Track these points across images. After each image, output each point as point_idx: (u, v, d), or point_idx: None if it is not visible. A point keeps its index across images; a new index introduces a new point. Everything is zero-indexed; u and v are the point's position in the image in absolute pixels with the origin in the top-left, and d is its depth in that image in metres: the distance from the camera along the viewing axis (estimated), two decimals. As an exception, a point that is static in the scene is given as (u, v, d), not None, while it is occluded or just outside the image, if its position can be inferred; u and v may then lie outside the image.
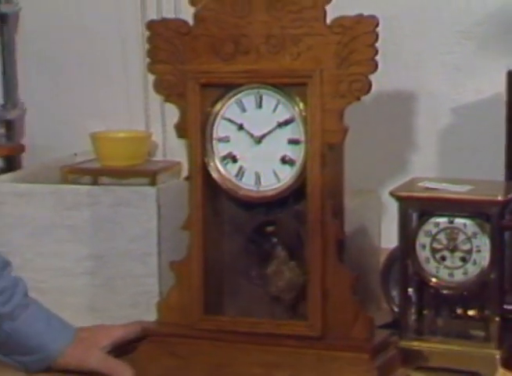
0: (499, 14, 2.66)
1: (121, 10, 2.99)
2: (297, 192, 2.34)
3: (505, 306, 2.21)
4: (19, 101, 3.13)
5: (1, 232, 2.48)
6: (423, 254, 2.32)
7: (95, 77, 3.04)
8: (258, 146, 2.36)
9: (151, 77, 2.45)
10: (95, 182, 2.72)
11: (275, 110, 2.35)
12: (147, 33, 2.44)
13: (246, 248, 2.41)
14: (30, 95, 3.15)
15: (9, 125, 3.15)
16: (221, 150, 2.39)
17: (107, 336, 2.47)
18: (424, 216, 2.32)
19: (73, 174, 2.75)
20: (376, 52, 2.25)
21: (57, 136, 3.02)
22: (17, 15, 3.12)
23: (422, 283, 2.33)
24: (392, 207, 2.39)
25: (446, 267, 2.31)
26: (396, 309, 2.45)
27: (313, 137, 2.29)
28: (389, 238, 2.52)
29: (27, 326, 2.44)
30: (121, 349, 2.45)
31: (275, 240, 2.39)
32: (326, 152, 2.29)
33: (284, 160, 2.35)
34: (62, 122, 3.05)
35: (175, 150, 2.71)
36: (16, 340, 2.43)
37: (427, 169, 2.68)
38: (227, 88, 2.37)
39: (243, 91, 2.35)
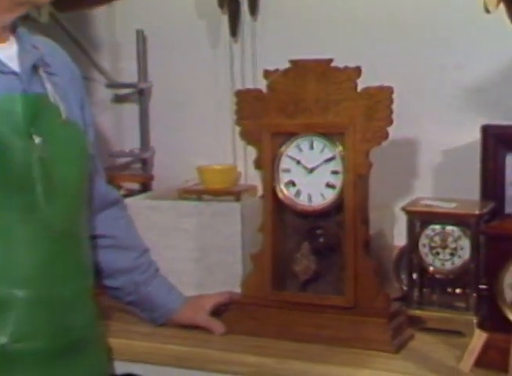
0: (473, 88, 2.65)
1: (218, 82, 2.97)
2: (337, 207, 2.33)
3: (480, 286, 2.19)
4: (150, 146, 3.14)
5: (140, 232, 2.49)
6: (423, 250, 2.32)
7: (201, 127, 3.02)
8: (310, 175, 2.36)
9: (238, 129, 2.46)
10: (200, 199, 2.72)
11: (322, 150, 2.34)
12: (235, 98, 2.46)
13: (301, 245, 2.40)
14: (157, 142, 3.15)
15: (144, 162, 3.15)
16: (284, 177, 2.38)
17: (208, 301, 2.49)
18: (425, 224, 2.32)
19: (186, 193, 2.76)
20: (392, 112, 2.25)
21: (175, 168, 3.02)
22: (150, 89, 3.12)
23: (422, 270, 2.32)
24: (402, 218, 2.38)
25: (439, 259, 2.30)
26: (404, 288, 2.45)
27: (348, 169, 2.29)
28: (400, 239, 2.51)
29: (154, 290, 2.48)
30: (216, 312, 2.47)
31: (321, 239, 2.38)
32: (357, 180, 2.29)
33: (328, 185, 2.33)
34: (178, 159, 3.05)
35: (253, 178, 2.70)
36: (147, 300, 2.49)
37: (426, 191, 2.65)
38: (289, 135, 2.36)
39: (300, 137, 2.35)
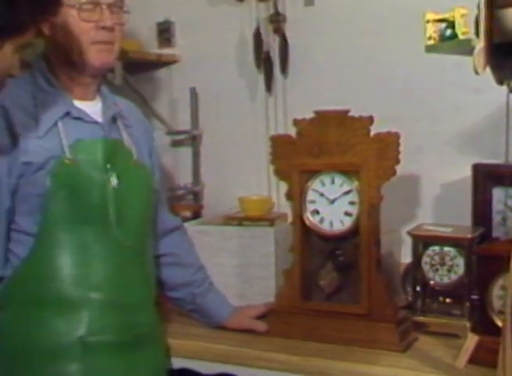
0: (465, 134, 2.64)
1: (256, 129, 2.97)
2: (353, 232, 2.31)
3: (472, 297, 2.16)
4: (201, 181, 3.14)
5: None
6: (425, 267, 2.28)
7: (242, 166, 3.02)
8: (332, 205, 2.34)
9: (272, 167, 2.44)
10: (241, 224, 2.71)
11: (341, 185, 2.33)
12: (270, 142, 2.45)
13: (324, 263, 2.38)
14: (206, 177, 3.15)
15: (195, 194, 3.15)
16: (310, 207, 2.36)
17: (252, 311, 2.49)
18: (426, 246, 2.27)
19: (229, 220, 2.74)
20: (399, 153, 2.24)
21: (220, 199, 3.02)
22: (201, 135, 3.13)
23: (425, 284, 2.28)
24: (407, 240, 2.35)
25: (439, 275, 2.26)
26: (410, 298, 2.42)
27: (363, 201, 2.28)
28: (406, 257, 2.49)
29: (209, 302, 2.49)
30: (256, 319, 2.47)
31: (341, 258, 2.37)
32: (370, 209, 2.28)
33: (346, 213, 2.32)
34: (223, 191, 3.05)
35: (284, 207, 2.69)
36: (203, 309, 2.49)
37: (427, 218, 2.64)
38: (314, 173, 2.35)
39: (323, 174, 2.33)
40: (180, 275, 2.48)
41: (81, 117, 2.14)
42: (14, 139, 2.05)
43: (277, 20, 2.92)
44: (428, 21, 2.24)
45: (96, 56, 2.11)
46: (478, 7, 1.63)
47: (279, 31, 2.92)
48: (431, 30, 2.24)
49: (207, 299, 2.49)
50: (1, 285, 2.11)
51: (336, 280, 2.36)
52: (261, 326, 2.43)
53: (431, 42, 2.24)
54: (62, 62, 2.13)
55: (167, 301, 2.55)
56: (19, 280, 2.10)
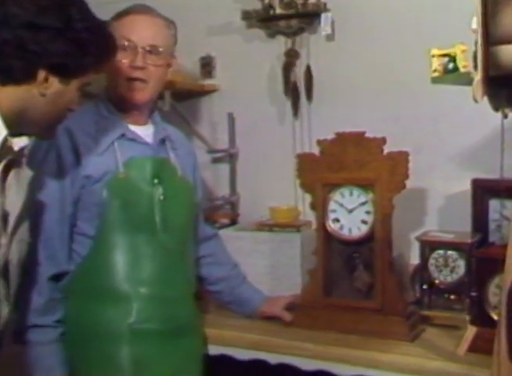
0: (466, 153, 2.63)
1: (285, 148, 2.97)
2: (369, 237, 2.31)
3: (471, 294, 2.14)
4: (237, 192, 3.14)
5: (230, 254, 2.52)
6: (431, 268, 2.28)
7: (272, 180, 3.01)
8: (350, 214, 2.34)
9: (298, 181, 2.44)
10: (271, 230, 2.70)
11: (358, 196, 2.33)
12: (297, 160, 2.45)
13: (344, 264, 2.38)
14: (241, 189, 3.15)
15: (232, 204, 3.13)
16: (331, 216, 2.36)
17: (282, 300, 2.48)
18: (432, 249, 2.29)
19: (261, 226, 2.74)
20: (408, 169, 2.25)
21: (254, 208, 3.00)
22: (237, 153, 3.14)
23: (430, 282, 2.28)
24: (416, 245, 2.35)
25: (443, 275, 2.27)
26: (417, 295, 2.40)
27: (377, 210, 2.29)
28: (414, 259, 2.48)
29: (244, 292, 2.49)
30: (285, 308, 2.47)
31: (358, 260, 2.36)
32: (384, 218, 2.28)
33: (363, 221, 2.33)
34: (256, 201, 3.02)
35: (309, 215, 2.67)
36: (239, 299, 2.49)
37: (432, 225, 2.62)
38: (335, 186, 2.35)
39: (342, 187, 2.34)
40: (219, 271, 2.48)
41: (134, 139, 2.18)
42: (77, 156, 2.10)
43: (293, 55, 2.94)
44: (433, 56, 2.23)
45: (129, 92, 2.15)
46: (476, 44, 1.63)
47: (293, 65, 2.94)
48: (436, 63, 2.23)
49: (243, 290, 2.49)
50: (66, 279, 2.14)
51: (368, 280, 2.35)
52: (288, 316, 2.43)
53: (436, 74, 2.23)
54: (114, 96, 2.19)
55: (208, 296, 2.56)
56: (81, 276, 2.14)
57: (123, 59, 2.11)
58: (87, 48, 1.73)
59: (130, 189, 2.13)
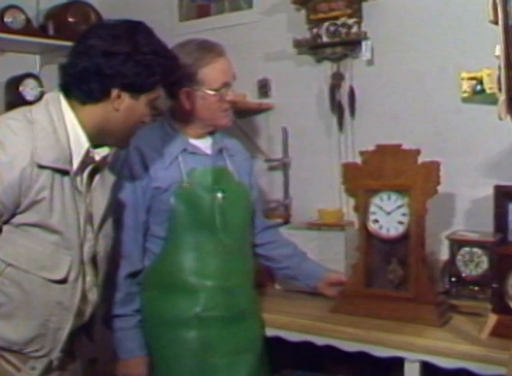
0: (489, 163, 2.62)
1: (331, 158, 2.98)
2: (405, 236, 2.31)
3: (493, 285, 2.13)
4: (289, 196, 3.15)
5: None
6: (459, 263, 2.26)
7: (322, 185, 3.00)
8: (388, 216, 2.32)
9: (343, 187, 2.46)
10: (319, 229, 2.69)
11: (396, 201, 2.32)
12: (342, 168, 2.47)
13: (382, 259, 2.39)
14: (293, 194, 3.14)
15: (285, 206, 3.11)
16: (372, 217, 2.35)
17: (338, 274, 2.49)
18: (460, 247, 2.27)
19: (311, 226, 2.74)
20: (439, 177, 2.26)
21: (304, 210, 3.00)
22: (290, 162, 3.13)
23: (458, 276, 2.26)
24: (445, 243, 2.34)
25: (469, 269, 2.25)
26: (447, 286, 2.37)
27: (412, 213, 2.29)
28: (444, 255, 2.47)
29: (307, 266, 2.49)
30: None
31: (392, 256, 2.35)
32: (418, 219, 2.28)
33: (399, 222, 2.31)
34: (306, 204, 3.01)
35: (352, 216, 2.67)
36: (303, 273, 2.48)
37: (460, 226, 2.59)
38: (375, 191, 2.35)
39: (382, 192, 2.34)
40: (284, 251, 2.50)
41: (194, 152, 2.23)
42: (146, 170, 2.16)
43: (338, 78, 2.94)
44: (463, 79, 2.24)
45: (226, 120, 2.24)
46: (499, 68, 1.63)
47: (339, 86, 2.93)
48: (465, 85, 2.24)
49: (306, 264, 2.49)
50: (143, 274, 2.20)
51: (401, 273, 2.35)
52: (331, 291, 2.45)
53: (466, 95, 2.24)
54: (186, 117, 2.23)
55: (269, 284, 2.65)
56: (155, 270, 2.21)
57: (222, 100, 2.19)
58: (153, 68, 1.79)
59: (193, 196, 2.18)
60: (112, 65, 1.74)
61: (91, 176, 1.85)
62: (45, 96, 1.82)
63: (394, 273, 2.35)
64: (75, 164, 1.77)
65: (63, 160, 1.73)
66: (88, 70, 1.74)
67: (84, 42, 1.77)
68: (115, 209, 2.04)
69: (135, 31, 1.78)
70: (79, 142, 1.77)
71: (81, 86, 1.77)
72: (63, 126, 1.74)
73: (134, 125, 1.88)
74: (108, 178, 1.93)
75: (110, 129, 1.83)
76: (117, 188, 2.05)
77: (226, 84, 2.20)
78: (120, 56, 1.74)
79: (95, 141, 1.83)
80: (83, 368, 2.01)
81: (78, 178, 1.79)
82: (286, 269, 2.51)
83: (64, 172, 1.74)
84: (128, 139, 1.92)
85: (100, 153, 1.85)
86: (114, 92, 1.78)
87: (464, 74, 2.24)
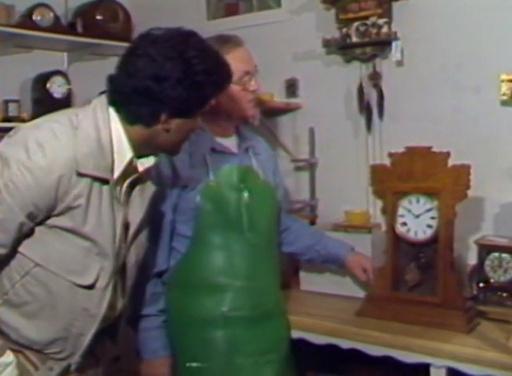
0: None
1: (359, 160, 2.99)
2: (433, 240, 2.29)
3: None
4: (316, 197, 3.14)
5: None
6: (487, 268, 2.23)
7: (348, 187, 3.00)
8: (417, 219, 2.31)
9: (371, 188, 2.45)
10: (346, 231, 2.68)
11: (424, 203, 2.30)
12: (370, 170, 2.45)
13: (409, 263, 2.37)
14: (320, 194, 3.14)
15: (312, 207, 3.11)
16: (400, 220, 2.33)
17: (367, 258, 2.51)
18: (488, 252, 2.24)
19: (337, 227, 2.73)
20: (469, 180, 2.24)
21: (330, 211, 2.98)
22: (316, 162, 3.13)
23: (486, 281, 2.22)
24: (474, 247, 2.32)
25: (497, 274, 2.21)
26: (474, 292, 2.34)
27: (441, 216, 2.27)
28: (472, 260, 2.43)
29: (331, 247, 2.50)
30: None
31: (423, 260, 2.34)
32: (447, 223, 2.26)
33: (428, 226, 2.30)
34: (332, 205, 3.01)
35: (379, 218, 2.67)
36: (328, 255, 2.51)
37: (489, 231, 2.58)
38: (404, 194, 2.33)
39: (410, 195, 2.32)
40: (306, 242, 2.52)
41: (221, 151, 2.22)
42: (174, 169, 2.15)
43: (375, 78, 2.93)
44: (502, 81, 2.20)
45: (252, 111, 2.22)
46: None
47: (377, 86, 2.92)
48: (505, 87, 2.20)
49: (329, 247, 2.50)
50: (168, 273, 2.20)
51: (417, 276, 2.33)
52: (363, 276, 2.47)
53: (505, 98, 2.20)
54: (213, 114, 2.10)
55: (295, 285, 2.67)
56: (180, 270, 2.20)
57: (246, 89, 2.17)
58: (204, 89, 1.73)
59: (220, 195, 2.17)
60: (162, 89, 1.67)
61: (131, 186, 1.82)
62: (94, 101, 1.77)
63: (410, 275, 2.35)
64: (116, 173, 1.73)
65: (104, 168, 1.70)
66: (137, 92, 1.68)
67: (132, 62, 1.69)
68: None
69: (186, 48, 1.69)
70: (123, 152, 1.73)
71: (129, 107, 1.72)
72: (108, 134, 1.71)
73: (185, 138, 1.86)
74: (148, 188, 1.90)
75: (159, 144, 1.80)
76: (155, 198, 2.00)
77: (247, 73, 2.17)
78: (171, 79, 1.67)
79: (141, 152, 1.79)
80: (104, 366, 1.99)
81: (118, 188, 1.76)
82: (312, 260, 2.55)
83: (104, 181, 1.71)
84: (179, 148, 1.89)
85: (144, 164, 1.81)
86: (163, 117, 1.73)
87: (504, 76, 2.19)
